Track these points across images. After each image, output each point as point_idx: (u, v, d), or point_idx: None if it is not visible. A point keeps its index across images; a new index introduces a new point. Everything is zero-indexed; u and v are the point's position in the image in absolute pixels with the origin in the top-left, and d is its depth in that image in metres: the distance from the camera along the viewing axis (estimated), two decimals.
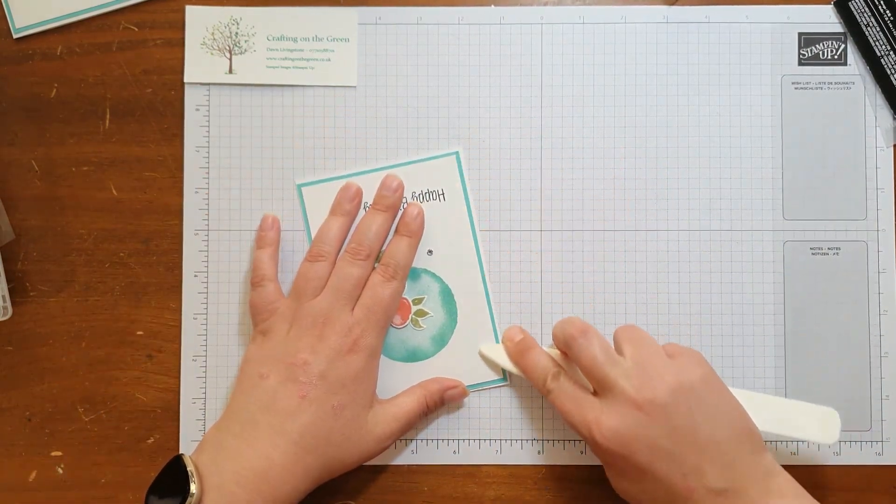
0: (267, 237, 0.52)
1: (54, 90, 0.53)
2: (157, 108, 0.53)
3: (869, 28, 0.52)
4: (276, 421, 0.46)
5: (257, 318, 0.50)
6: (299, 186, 0.53)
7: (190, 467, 0.44)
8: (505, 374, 0.52)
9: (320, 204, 0.53)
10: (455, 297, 0.52)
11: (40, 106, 0.53)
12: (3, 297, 0.51)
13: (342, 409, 0.47)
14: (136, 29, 0.53)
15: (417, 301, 0.52)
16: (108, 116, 0.53)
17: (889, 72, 0.52)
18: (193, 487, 0.43)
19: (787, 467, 0.47)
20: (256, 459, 0.45)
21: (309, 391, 0.47)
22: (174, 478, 0.44)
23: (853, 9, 0.53)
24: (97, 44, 0.53)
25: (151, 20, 0.53)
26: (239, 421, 0.47)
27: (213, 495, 0.44)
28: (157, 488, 0.45)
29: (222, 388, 0.52)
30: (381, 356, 0.52)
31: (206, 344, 0.52)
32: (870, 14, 0.52)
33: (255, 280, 0.51)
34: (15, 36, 0.53)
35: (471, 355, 0.52)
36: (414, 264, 0.52)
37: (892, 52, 0.52)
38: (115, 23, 0.53)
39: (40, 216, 0.53)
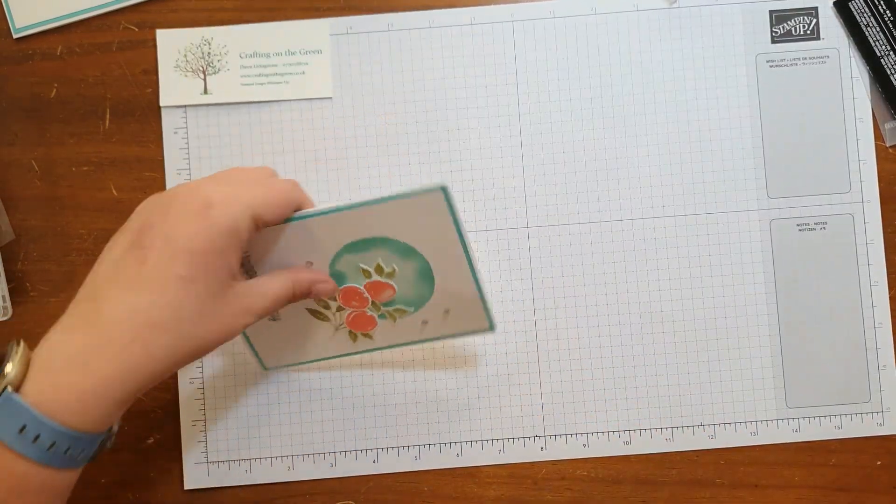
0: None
1: (54, 90, 0.53)
2: (157, 108, 0.53)
3: (869, 28, 0.52)
4: (119, 294, 0.39)
5: None
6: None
7: (14, 347, 0.38)
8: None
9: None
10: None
11: (40, 106, 0.53)
12: (3, 297, 0.51)
13: (192, 282, 0.39)
14: (136, 29, 0.53)
15: (379, 270, 0.45)
16: (108, 116, 0.53)
17: (889, 72, 0.52)
18: (9, 367, 0.37)
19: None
20: (91, 337, 0.38)
21: (149, 256, 0.39)
22: None
23: (853, 9, 0.53)
24: (97, 44, 0.53)
25: (151, 20, 0.53)
26: (80, 297, 0.40)
27: (42, 379, 0.37)
28: None
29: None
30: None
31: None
32: (870, 14, 0.52)
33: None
34: (15, 36, 0.53)
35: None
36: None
37: (892, 52, 0.52)
38: (115, 23, 0.53)
39: (40, 216, 0.53)
